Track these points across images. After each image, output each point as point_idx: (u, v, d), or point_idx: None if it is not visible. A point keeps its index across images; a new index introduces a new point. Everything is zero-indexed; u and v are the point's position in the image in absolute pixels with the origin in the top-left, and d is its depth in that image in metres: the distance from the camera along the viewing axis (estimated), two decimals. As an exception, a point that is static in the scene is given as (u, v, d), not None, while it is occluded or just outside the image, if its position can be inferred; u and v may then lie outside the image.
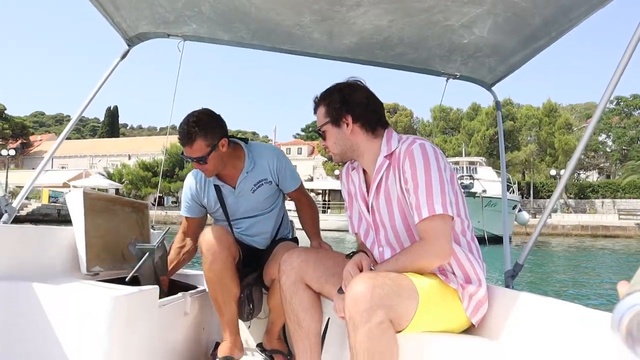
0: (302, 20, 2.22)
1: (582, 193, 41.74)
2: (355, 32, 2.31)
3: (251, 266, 2.29)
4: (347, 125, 1.70)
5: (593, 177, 47.37)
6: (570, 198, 41.42)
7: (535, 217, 32.29)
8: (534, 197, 41.00)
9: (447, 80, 2.81)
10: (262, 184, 2.26)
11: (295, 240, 2.48)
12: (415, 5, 2.00)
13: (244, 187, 2.24)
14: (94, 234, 2.10)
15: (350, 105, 1.69)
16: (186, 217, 2.35)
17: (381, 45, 2.46)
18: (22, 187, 2.39)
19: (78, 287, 1.72)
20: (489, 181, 25.71)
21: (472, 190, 23.06)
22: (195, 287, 2.38)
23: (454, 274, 1.62)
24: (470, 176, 26.84)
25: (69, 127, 2.49)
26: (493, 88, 2.81)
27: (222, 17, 2.29)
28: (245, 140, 2.31)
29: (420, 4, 1.98)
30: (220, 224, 2.35)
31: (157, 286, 1.89)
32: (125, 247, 2.26)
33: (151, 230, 2.59)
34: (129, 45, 2.54)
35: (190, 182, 2.30)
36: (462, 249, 1.62)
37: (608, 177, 46.33)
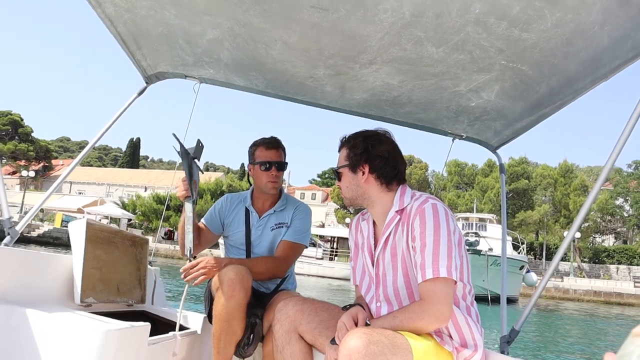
0: (316, 73, 2.30)
1: (596, 257, 40.67)
2: (366, 88, 2.38)
3: (256, 307, 2.31)
4: (363, 173, 1.72)
5: (609, 241, 46.28)
6: (584, 262, 40.37)
7: (547, 279, 31.34)
8: (546, 259, 40.08)
9: (453, 140, 2.86)
10: (282, 227, 2.40)
11: None
12: (426, 70, 2.07)
13: (267, 222, 2.41)
14: (92, 265, 2.12)
15: (370, 155, 1.72)
16: (204, 224, 2.49)
17: (390, 103, 2.53)
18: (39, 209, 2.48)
19: (70, 317, 1.73)
20: (497, 239, 25.27)
21: (478, 248, 22.71)
22: (186, 328, 2.36)
23: (450, 336, 1.60)
24: (476, 233, 26.46)
25: (82, 154, 2.57)
26: (498, 151, 2.84)
27: (239, 64, 2.38)
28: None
29: (431, 69, 2.05)
30: (233, 251, 2.45)
31: (148, 324, 1.87)
32: (120, 281, 2.29)
33: (148, 267, 2.60)
34: (146, 82, 2.65)
35: (224, 200, 2.54)
36: (461, 312, 1.61)
37: (625, 242, 45.20)
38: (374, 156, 1.71)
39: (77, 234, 2.10)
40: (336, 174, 1.81)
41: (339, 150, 1.82)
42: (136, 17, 2.07)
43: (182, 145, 2.11)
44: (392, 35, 1.83)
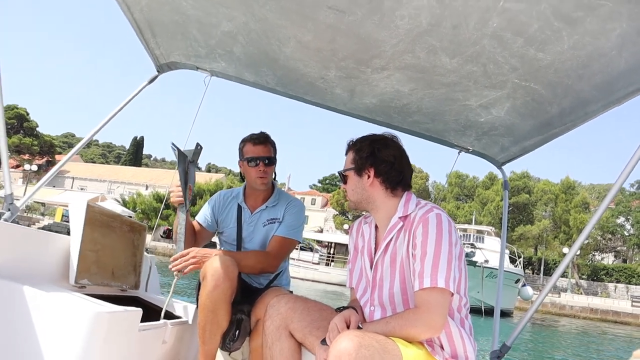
0: (328, 74, 2.29)
1: (595, 275, 40.56)
2: (376, 93, 2.37)
3: (243, 302, 2.32)
4: (369, 177, 1.73)
5: (609, 259, 46.13)
6: (582, 279, 40.24)
7: (544, 294, 31.30)
8: (544, 274, 39.94)
9: (459, 153, 2.85)
10: (274, 222, 2.40)
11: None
12: (438, 79, 2.06)
13: (259, 218, 2.42)
14: (89, 247, 2.13)
15: (376, 159, 1.72)
16: (198, 223, 2.52)
17: (399, 111, 2.51)
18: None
19: (63, 297, 1.74)
20: (494, 252, 25.24)
21: (474, 259, 22.71)
22: (178, 317, 2.37)
23: (441, 347, 1.59)
24: (472, 244, 26.46)
25: (84, 141, 2.58)
26: (503, 167, 2.84)
27: (252, 59, 2.39)
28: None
29: (443, 78, 2.04)
30: (226, 247, 2.46)
31: (140, 309, 1.87)
32: (116, 266, 2.29)
33: (145, 254, 2.61)
34: (158, 71, 2.66)
35: (217, 197, 2.57)
36: (455, 323, 1.61)
37: (625, 261, 45.03)
38: (380, 160, 1.72)
39: (76, 215, 2.11)
40: (342, 177, 1.83)
41: (346, 154, 1.83)
42: (153, 3, 2.08)
43: (179, 150, 2.13)
44: (407, 43, 1.82)
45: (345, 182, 1.81)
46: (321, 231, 47.26)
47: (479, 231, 32.58)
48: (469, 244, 27.25)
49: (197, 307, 2.35)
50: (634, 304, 32.26)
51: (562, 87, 1.89)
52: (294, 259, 32.62)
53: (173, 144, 2.15)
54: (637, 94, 1.76)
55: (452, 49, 1.79)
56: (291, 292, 2.48)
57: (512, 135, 2.46)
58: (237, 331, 2.18)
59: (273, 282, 2.44)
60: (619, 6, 1.37)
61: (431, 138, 2.80)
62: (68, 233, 2.12)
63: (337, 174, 1.88)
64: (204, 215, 2.51)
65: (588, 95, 1.89)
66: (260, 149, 2.41)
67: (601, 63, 1.67)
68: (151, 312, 2.31)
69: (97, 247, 2.20)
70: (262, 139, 2.44)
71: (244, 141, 2.47)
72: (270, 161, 2.43)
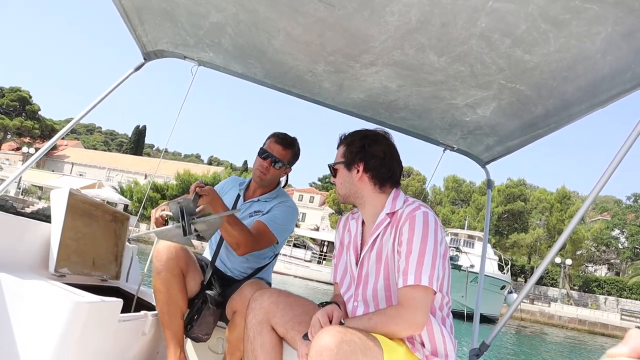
0: (316, 68, 2.29)
1: (586, 286, 40.64)
2: (364, 88, 2.37)
3: (217, 289, 2.33)
4: (358, 172, 1.75)
5: (602, 272, 46.21)
6: (573, 289, 40.33)
7: (532, 304, 31.49)
8: (536, 283, 39.96)
9: (444, 151, 2.87)
10: (259, 214, 2.41)
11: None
12: (426, 77, 2.06)
13: (248, 208, 2.47)
14: (70, 235, 2.12)
15: (366, 154, 1.75)
16: None
17: (386, 107, 2.52)
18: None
19: (42, 285, 1.72)
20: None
21: (458, 263, 22.76)
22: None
23: (422, 344, 1.60)
24: (457, 248, 26.45)
25: (67, 127, 2.59)
26: (487, 166, 2.85)
27: (240, 50, 2.37)
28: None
29: (430, 76, 2.05)
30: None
31: (120, 300, 1.86)
32: (97, 255, 2.29)
33: (127, 244, 2.61)
34: (145, 59, 2.64)
35: (228, 179, 2.71)
36: (436, 321, 1.62)
37: (617, 274, 45.12)
38: (370, 155, 1.74)
39: (58, 202, 2.09)
40: (332, 170, 1.84)
41: (338, 147, 1.85)
42: None
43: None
44: (396, 39, 1.83)
45: (335, 176, 1.83)
46: (317, 229, 47.27)
47: (470, 236, 32.62)
48: (453, 247, 27.29)
49: None
50: (623, 317, 32.37)
51: (547, 89, 1.90)
52: (285, 255, 32.61)
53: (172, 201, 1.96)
54: (620, 97, 1.77)
55: (441, 47, 1.80)
56: (269, 283, 2.50)
57: (497, 135, 2.48)
58: (196, 316, 2.20)
59: (255, 274, 2.44)
60: (605, 10, 1.38)
61: (417, 135, 2.82)
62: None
63: (329, 166, 1.89)
64: None
65: (572, 97, 1.91)
66: (277, 148, 2.45)
67: (585, 66, 1.68)
68: (131, 303, 2.32)
69: (78, 235, 2.19)
70: (284, 141, 2.47)
71: (271, 135, 2.52)
72: (278, 163, 2.44)
